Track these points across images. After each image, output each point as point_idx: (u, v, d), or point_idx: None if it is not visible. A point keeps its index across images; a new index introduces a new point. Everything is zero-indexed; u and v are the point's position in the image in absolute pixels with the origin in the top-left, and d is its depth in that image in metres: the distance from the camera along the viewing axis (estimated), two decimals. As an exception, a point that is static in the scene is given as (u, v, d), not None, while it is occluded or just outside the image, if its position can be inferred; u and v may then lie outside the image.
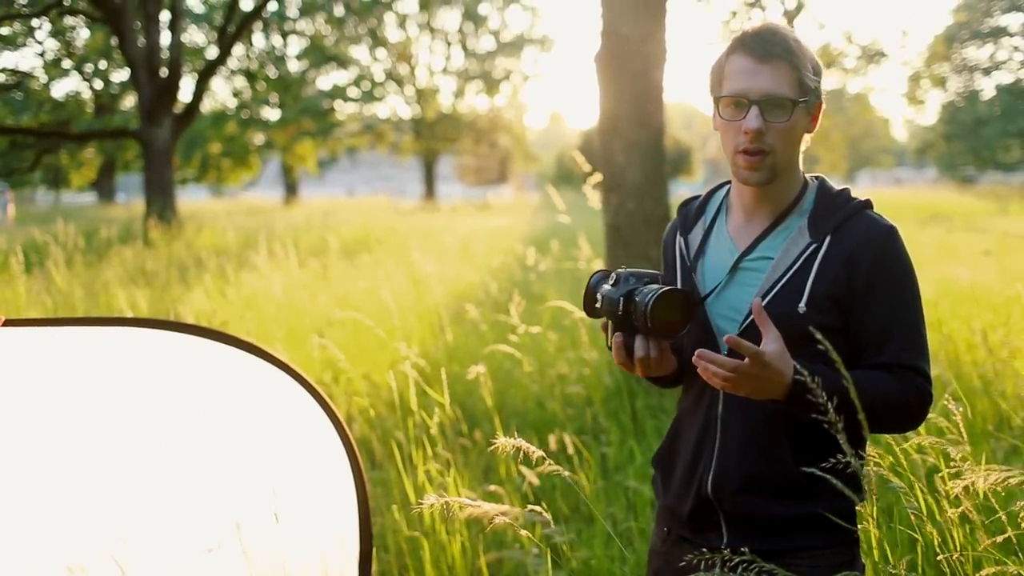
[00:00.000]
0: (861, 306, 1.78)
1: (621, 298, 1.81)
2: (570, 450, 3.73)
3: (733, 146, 1.82)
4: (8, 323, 2.30)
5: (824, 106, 1.87)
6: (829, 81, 42.88)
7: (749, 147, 1.78)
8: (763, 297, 1.81)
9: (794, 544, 1.82)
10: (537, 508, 1.97)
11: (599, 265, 6.58)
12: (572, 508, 4.13)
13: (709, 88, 1.88)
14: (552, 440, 3.73)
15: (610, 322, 1.87)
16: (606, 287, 1.87)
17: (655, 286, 1.79)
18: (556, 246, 9.08)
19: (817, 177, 1.92)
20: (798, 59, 1.78)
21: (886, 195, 36.55)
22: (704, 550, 1.84)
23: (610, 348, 1.88)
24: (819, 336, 1.67)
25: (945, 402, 2.14)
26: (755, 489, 1.83)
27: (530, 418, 5.34)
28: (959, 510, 2.10)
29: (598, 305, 1.88)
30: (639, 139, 6.35)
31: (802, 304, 1.77)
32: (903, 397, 1.77)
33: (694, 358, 1.69)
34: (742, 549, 1.80)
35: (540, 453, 1.94)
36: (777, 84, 1.76)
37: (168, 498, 2.42)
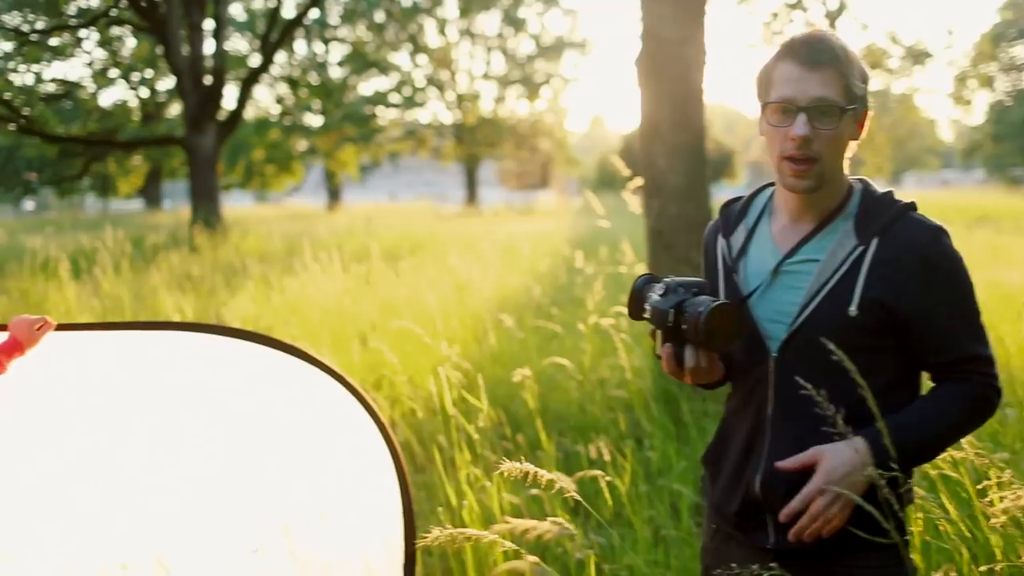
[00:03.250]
0: (920, 311, 1.78)
1: (671, 310, 1.81)
2: (606, 454, 3.72)
3: (779, 152, 1.82)
4: (60, 327, 2.35)
5: (870, 112, 1.87)
6: (873, 82, 42.43)
7: (796, 154, 1.78)
8: (811, 299, 1.81)
9: (843, 547, 1.81)
10: (560, 520, 1.96)
11: (642, 269, 6.56)
12: (615, 513, 4.12)
13: (756, 93, 1.88)
14: (601, 444, 3.72)
15: (659, 333, 1.86)
16: (655, 297, 1.86)
17: (706, 298, 1.79)
18: (599, 251, 9.07)
19: (861, 180, 1.91)
20: (846, 66, 1.78)
21: (933, 197, 36.00)
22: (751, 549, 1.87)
23: (658, 357, 1.88)
24: (833, 348, 1.71)
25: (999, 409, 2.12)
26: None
27: (572, 422, 5.33)
28: (1000, 521, 2.08)
29: (646, 315, 1.88)
30: (680, 143, 6.32)
31: (853, 307, 1.77)
32: (978, 397, 1.81)
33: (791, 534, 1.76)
34: (788, 550, 1.81)
35: (549, 476, 1.94)
36: (825, 91, 1.76)
37: (215, 499, 2.45)
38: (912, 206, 1.85)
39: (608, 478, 2.09)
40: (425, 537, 1.96)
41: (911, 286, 1.77)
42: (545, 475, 1.96)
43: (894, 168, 53.84)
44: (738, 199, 2.06)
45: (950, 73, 48.19)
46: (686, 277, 1.88)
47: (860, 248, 1.80)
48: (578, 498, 2.04)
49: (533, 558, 2.03)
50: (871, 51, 38.87)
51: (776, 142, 1.82)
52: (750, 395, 1.91)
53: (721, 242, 2.01)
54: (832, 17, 38.12)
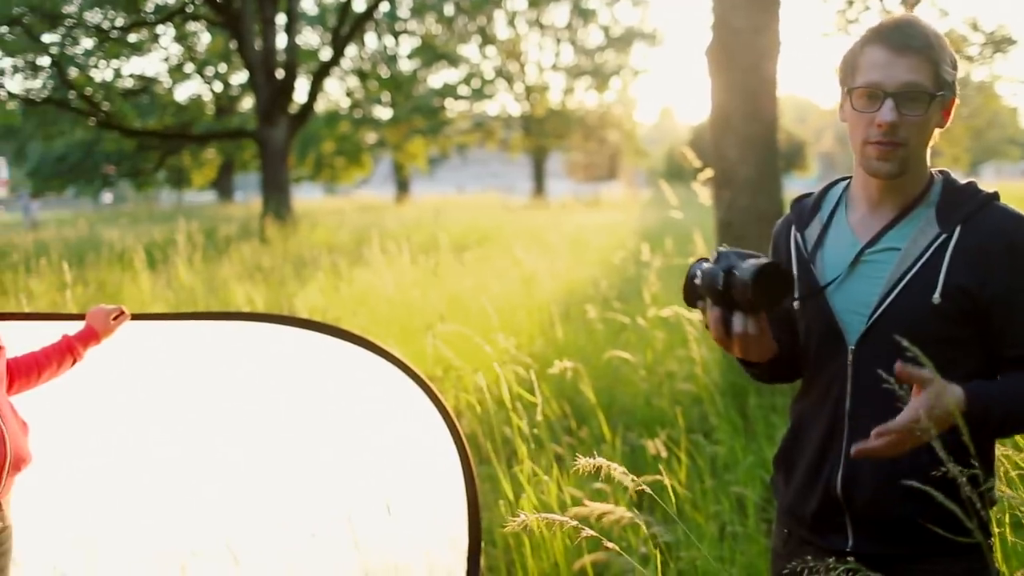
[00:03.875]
0: (1004, 298, 1.73)
1: (722, 272, 1.77)
2: (662, 451, 3.69)
3: (863, 137, 1.78)
4: (135, 317, 2.40)
5: (957, 100, 1.81)
6: (952, 71, 41.33)
7: (882, 139, 1.74)
8: (893, 287, 1.77)
9: (924, 548, 1.77)
10: (629, 513, 1.95)
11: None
12: (680, 508, 4.09)
13: (839, 79, 1.85)
14: (658, 441, 3.69)
15: (708, 299, 1.82)
16: (706, 265, 1.83)
17: (754, 260, 1.76)
18: (669, 243, 8.99)
19: (942, 171, 1.87)
20: (937, 52, 1.73)
21: (1013, 188, 35.02)
22: (828, 556, 1.81)
23: (707, 327, 1.84)
24: (907, 344, 1.63)
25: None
26: (889, 487, 1.78)
27: (638, 416, 5.30)
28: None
29: (697, 281, 1.83)
30: (752, 134, 6.24)
31: (936, 295, 1.73)
32: None
33: (873, 435, 1.62)
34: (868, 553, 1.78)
35: (620, 471, 1.92)
36: (914, 76, 1.72)
37: (283, 488, 2.49)
38: (995, 196, 1.81)
39: (664, 479, 2.07)
40: (513, 522, 1.95)
41: (996, 273, 1.73)
42: (616, 468, 1.95)
43: (972, 159, 52.42)
44: (810, 194, 2.02)
45: (1033, 60, 46.61)
46: (741, 249, 1.84)
47: (943, 236, 1.76)
48: (646, 489, 2.02)
49: (611, 545, 2.01)
50: (950, 38, 37.84)
51: (861, 128, 1.78)
52: (826, 391, 1.87)
53: (795, 236, 1.96)
54: (910, 4, 37.27)
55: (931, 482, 1.69)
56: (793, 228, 1.98)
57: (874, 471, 1.78)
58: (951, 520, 1.69)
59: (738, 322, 1.78)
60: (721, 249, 1.85)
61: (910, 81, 1.72)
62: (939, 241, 1.76)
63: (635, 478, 1.96)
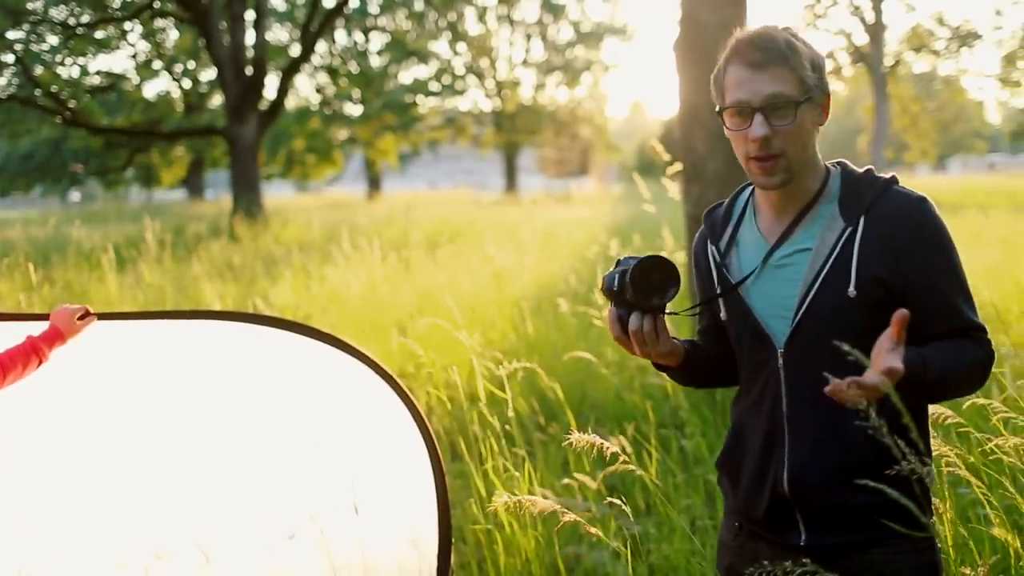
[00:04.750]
0: (917, 281, 1.77)
1: (616, 274, 1.87)
2: (627, 447, 3.70)
3: (744, 153, 1.83)
4: (101, 316, 2.38)
5: (830, 99, 1.85)
6: (919, 65, 41.67)
7: (760, 154, 1.79)
8: (810, 287, 1.80)
9: (876, 533, 1.80)
10: (616, 501, 1.97)
11: (681, 256, 6.52)
12: (651, 502, 4.11)
13: (713, 99, 1.91)
14: (628, 433, 3.70)
15: (610, 301, 1.92)
16: (609, 272, 1.91)
17: (643, 257, 1.85)
18: (638, 239, 9.02)
19: (839, 162, 1.91)
20: (794, 59, 1.77)
21: (979, 182, 35.40)
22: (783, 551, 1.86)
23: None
24: (847, 347, 1.57)
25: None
26: (836, 480, 1.81)
27: (610, 410, 5.32)
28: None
29: (603, 287, 1.93)
30: (720, 128, 6.14)
31: (851, 288, 1.77)
32: (984, 358, 1.79)
33: (828, 390, 1.59)
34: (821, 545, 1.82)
35: (614, 449, 1.95)
36: (776, 87, 1.77)
37: (253, 487, 2.48)
38: (893, 180, 1.85)
39: (635, 469, 2.08)
40: (492, 504, 1.97)
41: (905, 257, 1.77)
42: (610, 447, 2.05)
43: (939, 152, 52.96)
44: (720, 205, 2.06)
45: (998, 54, 47.17)
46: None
47: (849, 229, 1.80)
48: (604, 491, 2.03)
49: (594, 530, 2.02)
50: (916, 33, 38.22)
51: (740, 145, 1.84)
52: (761, 394, 1.90)
53: (711, 249, 2.01)
54: (877, 1, 37.51)
55: (875, 468, 1.73)
56: (708, 242, 2.02)
57: (820, 466, 1.82)
58: (896, 507, 1.71)
59: (633, 320, 1.85)
60: (622, 256, 1.92)
61: (773, 93, 1.76)
62: (846, 234, 1.80)
63: (598, 479, 1.97)
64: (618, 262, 1.90)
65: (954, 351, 1.75)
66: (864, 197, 1.82)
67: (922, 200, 1.80)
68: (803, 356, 1.81)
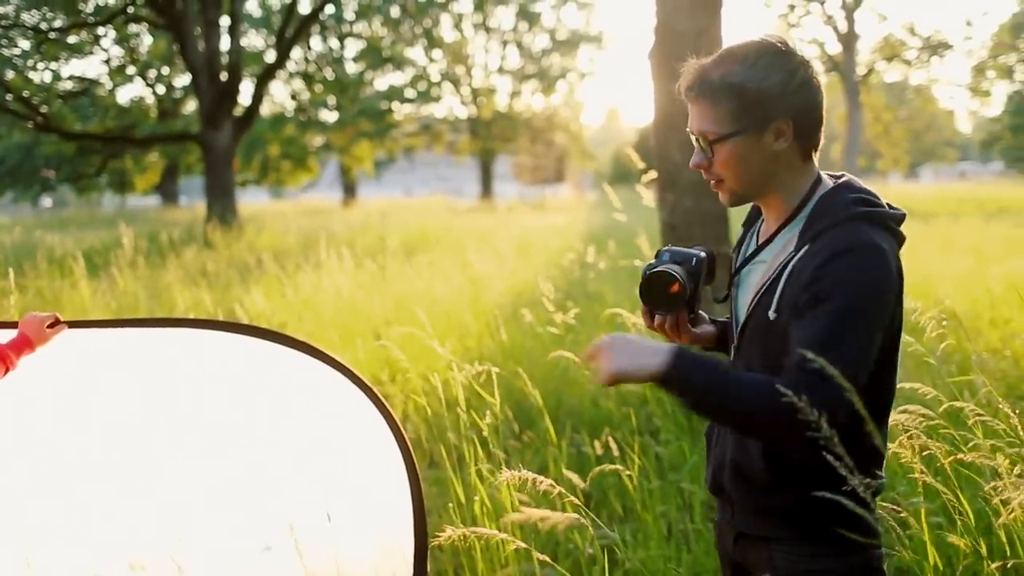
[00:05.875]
0: (793, 309, 1.73)
1: (644, 273, 1.98)
2: (615, 451, 3.71)
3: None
4: (73, 324, 2.35)
5: (788, 123, 1.76)
6: (891, 74, 42.07)
7: (707, 177, 1.86)
8: (752, 300, 1.86)
9: (776, 532, 1.85)
10: (575, 516, 2.00)
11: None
12: (628, 508, 4.11)
13: None
14: (603, 440, 3.71)
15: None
16: (643, 267, 2.01)
17: (656, 263, 1.98)
18: (612, 246, 9.04)
19: (837, 183, 1.85)
20: (719, 95, 1.78)
21: (950, 190, 35.77)
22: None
23: None
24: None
25: (1000, 405, 2.11)
26: (740, 476, 1.88)
27: (586, 417, 5.32)
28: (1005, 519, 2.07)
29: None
30: (694, 136, 6.28)
31: (772, 311, 1.78)
32: (779, 404, 1.59)
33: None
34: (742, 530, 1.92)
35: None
36: (699, 124, 1.81)
37: (228, 496, 2.46)
38: (859, 215, 1.75)
39: (622, 470, 2.09)
40: (438, 537, 2.00)
41: (812, 286, 1.70)
42: (544, 481, 2.11)
43: (911, 161, 53.42)
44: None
45: (968, 64, 47.69)
46: (684, 248, 2.03)
47: (793, 254, 1.79)
48: (581, 496, 2.05)
49: (543, 556, 2.04)
50: (888, 43, 38.62)
51: None
52: None
53: (741, 235, 2.08)
54: (850, 9, 37.87)
55: (773, 472, 1.80)
56: (743, 228, 2.08)
57: (728, 460, 1.90)
58: (839, 510, 1.73)
59: (657, 317, 1.99)
60: (664, 248, 2.02)
61: (697, 128, 1.82)
62: (790, 259, 1.78)
63: (578, 483, 1.97)
64: (657, 254, 2.03)
65: (748, 384, 1.70)
66: (819, 224, 1.76)
67: (855, 245, 1.69)
68: (745, 359, 1.88)
